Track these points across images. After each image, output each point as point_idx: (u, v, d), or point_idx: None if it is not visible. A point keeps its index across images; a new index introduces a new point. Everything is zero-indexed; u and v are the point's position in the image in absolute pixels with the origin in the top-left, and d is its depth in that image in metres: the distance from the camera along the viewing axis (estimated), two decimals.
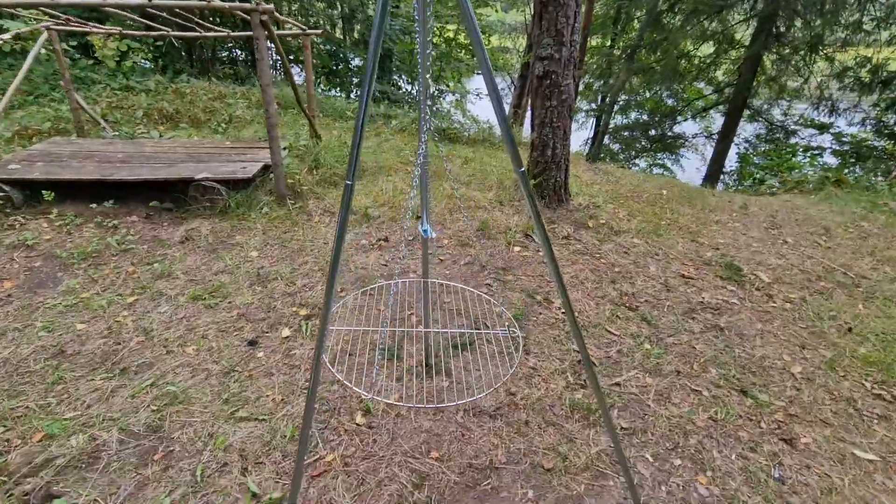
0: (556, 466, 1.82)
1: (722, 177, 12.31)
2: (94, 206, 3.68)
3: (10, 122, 5.25)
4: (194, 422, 1.99)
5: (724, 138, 11.57)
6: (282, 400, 2.10)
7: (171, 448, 1.87)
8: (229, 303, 2.79)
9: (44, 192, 3.64)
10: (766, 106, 12.26)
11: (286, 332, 2.54)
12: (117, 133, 4.94)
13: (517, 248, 3.49)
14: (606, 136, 16.10)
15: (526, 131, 8.71)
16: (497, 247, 3.50)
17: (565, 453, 1.88)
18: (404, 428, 1.97)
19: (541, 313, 2.84)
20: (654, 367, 2.48)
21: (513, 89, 13.51)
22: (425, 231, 1.59)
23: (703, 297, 3.19)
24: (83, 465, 1.78)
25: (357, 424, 1.99)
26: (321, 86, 10.49)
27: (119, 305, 2.74)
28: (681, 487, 1.79)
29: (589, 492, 1.74)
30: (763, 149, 13.42)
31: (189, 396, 2.11)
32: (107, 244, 3.31)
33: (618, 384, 2.34)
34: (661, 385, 2.36)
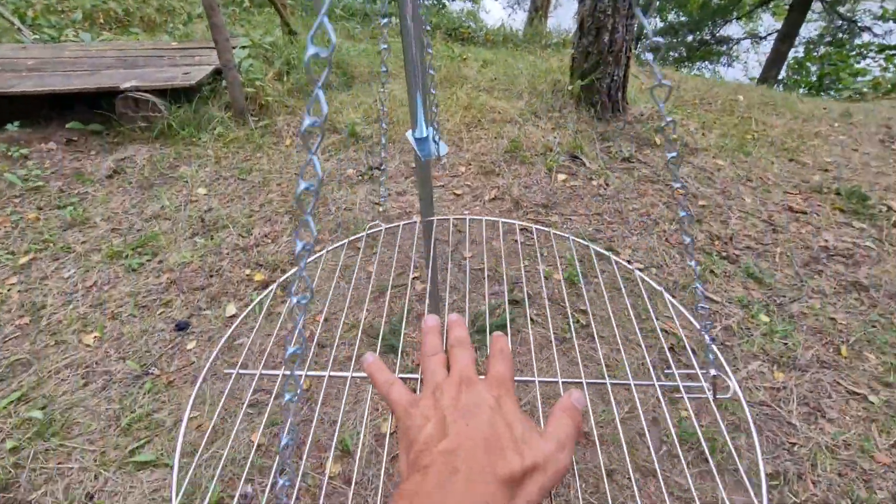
0: None
1: (776, 87, 10.69)
2: None
3: None
4: (70, 470, 1.24)
5: (786, 38, 9.82)
6: (212, 427, 1.33)
7: None
8: (159, 262, 1.97)
9: None
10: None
11: (232, 308, 1.73)
12: (38, 37, 3.90)
13: (562, 176, 2.54)
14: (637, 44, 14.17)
15: (551, 24, 7.24)
16: (534, 175, 2.55)
17: None
18: None
19: (603, 271, 1.97)
20: (783, 354, 1.64)
21: None
22: (422, 143, 0.69)
23: (826, 240, 2.27)
24: None
25: (329, 478, 1.22)
26: None
27: (6, 269, 1.94)
28: None
29: None
30: (823, 52, 11.62)
31: (70, 422, 1.35)
32: (7, 182, 2.46)
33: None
34: (802, 386, 1.53)
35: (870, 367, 1.62)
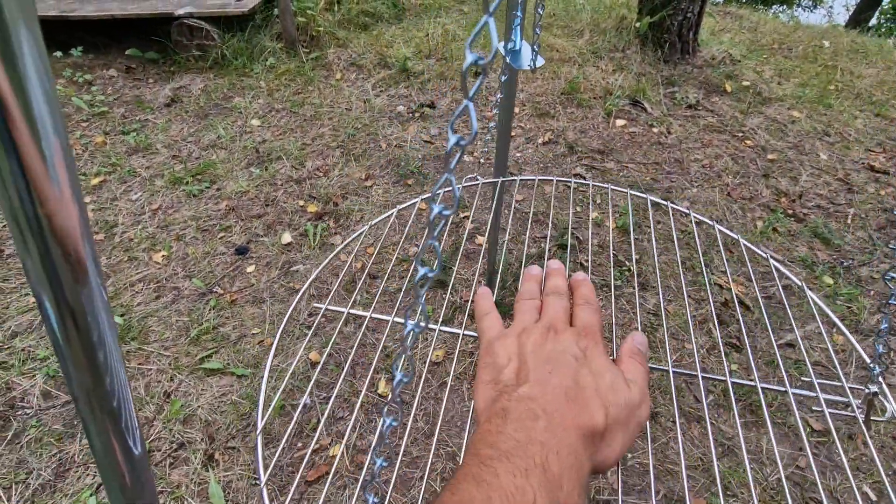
0: None
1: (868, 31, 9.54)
2: (59, 55, 2.86)
3: None
4: (148, 371, 1.36)
5: None
6: (272, 344, 1.43)
7: None
8: (218, 190, 2.04)
9: None
10: None
11: (287, 237, 1.80)
12: None
13: (620, 122, 2.41)
14: None
15: None
16: (591, 119, 2.43)
17: (725, 478, 1.12)
18: (453, 408, 1.26)
19: (659, 222, 1.91)
20: (845, 318, 1.58)
21: None
22: (512, 55, 0.66)
23: None
24: None
25: (379, 396, 1.29)
26: None
27: (82, 189, 2.05)
28: None
29: None
30: None
31: (146, 329, 1.47)
32: (76, 106, 2.56)
33: (790, 344, 1.48)
34: (866, 350, 1.47)
35: None
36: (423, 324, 0.30)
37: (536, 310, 0.37)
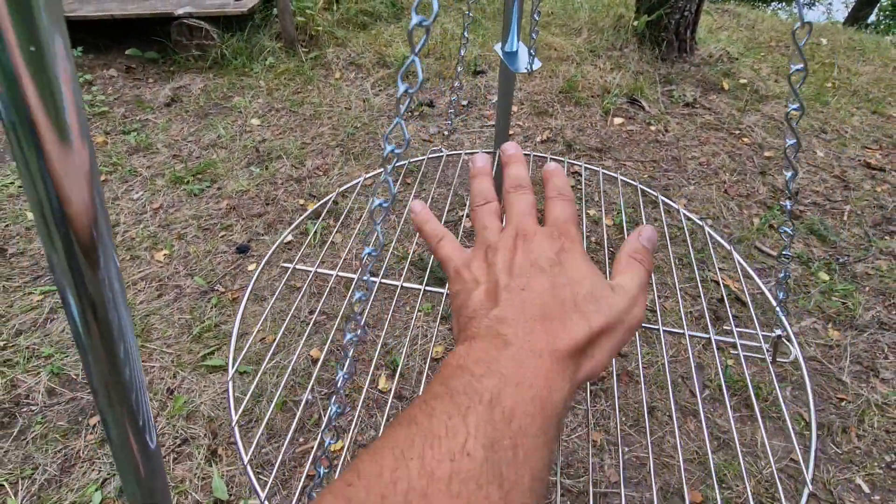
0: (707, 499, 1.09)
1: (866, 28, 9.54)
2: None
3: None
4: (151, 368, 1.38)
5: None
6: (274, 341, 1.44)
7: None
8: (218, 189, 2.06)
9: None
10: None
11: (288, 235, 1.81)
12: None
13: (618, 120, 2.43)
14: None
15: None
16: (589, 117, 2.44)
17: (720, 471, 1.13)
18: None
19: (655, 218, 1.92)
20: (841, 314, 1.59)
21: None
22: (510, 57, 0.67)
23: None
24: None
25: (380, 391, 1.31)
26: None
27: (102, 189, 2.07)
28: None
29: None
30: None
31: (149, 327, 1.49)
32: None
33: (786, 339, 1.49)
34: (857, 345, 1.49)
35: None
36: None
37: (496, 215, 0.32)
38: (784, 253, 0.61)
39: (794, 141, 0.48)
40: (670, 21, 2.67)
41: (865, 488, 1.13)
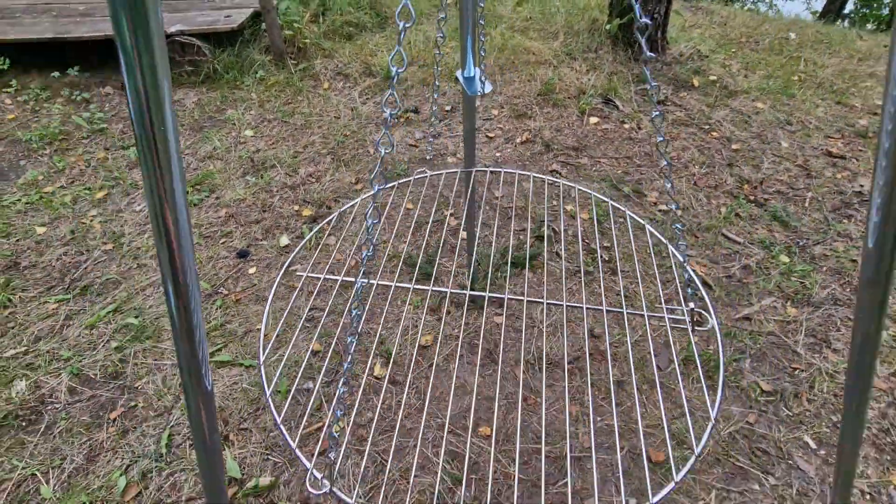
0: (669, 458, 1.21)
1: (839, 23, 9.74)
2: (57, 74, 2.98)
3: None
4: (164, 365, 1.50)
5: None
6: (276, 337, 1.56)
7: (133, 403, 1.41)
8: (217, 198, 2.17)
9: None
10: None
11: (285, 239, 1.93)
12: None
13: (594, 119, 2.56)
14: None
15: None
16: (566, 117, 2.58)
17: (681, 434, 1.26)
18: (441, 386, 1.40)
19: (622, 217, 2.05)
20: (798, 292, 1.73)
21: None
22: (468, 82, 0.80)
23: (862, 186, 2.25)
24: (22, 425, 1.36)
25: (375, 378, 1.43)
26: None
27: (86, 202, 2.18)
28: (868, 496, 1.17)
29: (724, 502, 1.14)
30: None
31: (160, 329, 1.60)
32: (76, 124, 2.68)
33: (747, 318, 1.63)
34: (812, 320, 1.63)
35: None
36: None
37: None
38: (677, 229, 0.74)
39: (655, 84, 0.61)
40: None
41: (812, 445, 1.26)
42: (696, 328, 0.81)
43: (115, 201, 2.19)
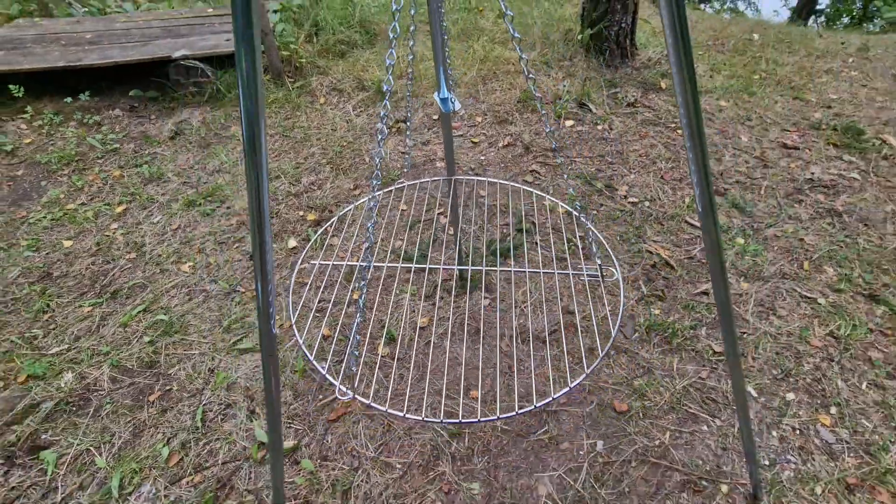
0: (632, 408, 1.43)
1: (813, 19, 10.09)
2: (69, 100, 3.18)
3: None
4: (192, 355, 1.70)
5: None
6: (290, 325, 1.77)
7: (169, 387, 1.61)
8: (227, 208, 2.38)
9: (11, 86, 3.15)
10: None
11: (292, 241, 2.14)
12: (87, 10, 4.22)
13: (570, 122, 2.79)
14: None
15: None
16: (544, 121, 2.80)
17: (642, 389, 1.48)
18: (437, 359, 1.61)
19: (602, 205, 2.28)
20: (751, 269, 1.95)
21: None
22: (444, 102, 1.02)
23: (813, 173, 2.49)
24: (73, 410, 1.55)
25: (380, 356, 1.64)
26: None
27: (107, 217, 2.38)
28: (798, 431, 1.38)
29: (676, 441, 1.36)
30: None
31: (186, 324, 1.81)
32: (90, 145, 2.88)
33: (705, 293, 1.85)
34: (761, 292, 1.85)
35: (825, 278, 1.91)
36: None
37: None
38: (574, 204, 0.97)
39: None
40: (610, 32, 3.05)
41: (754, 393, 1.48)
42: (605, 279, 1.04)
43: (133, 215, 2.39)
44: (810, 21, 9.84)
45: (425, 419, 0.91)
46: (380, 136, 0.65)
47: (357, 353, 0.94)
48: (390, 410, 0.87)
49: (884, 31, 5.49)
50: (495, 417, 0.86)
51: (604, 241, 1.21)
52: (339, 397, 0.81)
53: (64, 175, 2.68)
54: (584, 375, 0.90)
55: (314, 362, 0.91)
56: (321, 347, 1.69)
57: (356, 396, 0.83)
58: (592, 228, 1.09)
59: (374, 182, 0.76)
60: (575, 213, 1.08)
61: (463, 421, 0.89)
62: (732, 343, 0.87)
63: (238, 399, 1.55)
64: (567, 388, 0.89)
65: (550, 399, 0.93)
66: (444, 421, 0.93)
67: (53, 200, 2.50)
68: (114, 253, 2.17)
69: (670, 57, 0.59)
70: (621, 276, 1.84)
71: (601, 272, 1.04)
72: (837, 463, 1.31)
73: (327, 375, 0.90)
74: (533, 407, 0.87)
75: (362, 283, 0.83)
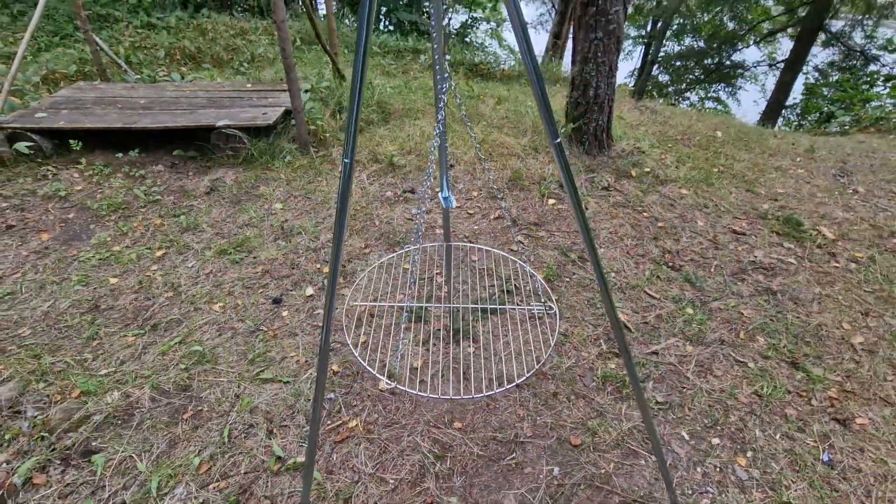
0: (585, 443, 1.74)
1: (784, 112, 11.16)
2: (119, 155, 3.65)
3: (38, 65, 5.20)
4: (221, 382, 2.01)
5: (792, 67, 10.36)
6: (305, 362, 2.09)
7: (200, 408, 1.90)
8: (254, 258, 2.76)
9: (71, 140, 3.63)
10: (846, 28, 10.71)
11: (310, 290, 2.50)
12: (140, 76, 4.82)
13: (551, 201, 3.26)
14: (655, 67, 14.77)
15: (566, 65, 8.01)
16: (530, 199, 3.27)
17: (595, 428, 1.80)
18: (428, 396, 1.93)
19: (574, 273, 2.68)
20: (696, 335, 2.32)
21: (553, 14, 12.34)
22: (445, 199, 1.43)
23: (756, 256, 2.92)
24: (118, 422, 1.84)
25: (380, 391, 1.95)
26: (347, 18, 9.89)
27: (148, 259, 2.75)
28: (718, 469, 1.69)
29: (618, 471, 1.66)
30: (835, 78, 11.97)
31: (216, 355, 2.13)
32: (134, 195, 3.31)
33: (655, 353, 2.20)
34: (702, 355, 2.20)
35: (757, 346, 2.28)
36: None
37: None
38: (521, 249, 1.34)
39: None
40: (589, 128, 3.61)
41: (686, 437, 1.79)
42: (548, 312, 1.40)
43: (171, 259, 2.77)
44: (780, 118, 10.82)
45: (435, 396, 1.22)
46: (418, 227, 1.04)
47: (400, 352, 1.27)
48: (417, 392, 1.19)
49: (841, 134, 6.19)
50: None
51: (543, 284, 1.58)
52: (380, 390, 1.13)
53: (111, 220, 3.08)
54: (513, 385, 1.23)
55: (356, 354, 1.25)
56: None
57: (397, 385, 1.15)
58: (555, 307, 1.47)
59: (417, 236, 1.14)
60: (544, 308, 1.45)
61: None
62: (634, 377, 1.21)
63: (259, 421, 1.84)
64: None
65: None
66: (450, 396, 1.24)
67: (101, 242, 2.88)
68: (154, 291, 2.52)
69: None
70: (577, 329, 2.20)
71: (546, 308, 1.39)
72: (746, 495, 1.61)
73: (366, 365, 1.23)
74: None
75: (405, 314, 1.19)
